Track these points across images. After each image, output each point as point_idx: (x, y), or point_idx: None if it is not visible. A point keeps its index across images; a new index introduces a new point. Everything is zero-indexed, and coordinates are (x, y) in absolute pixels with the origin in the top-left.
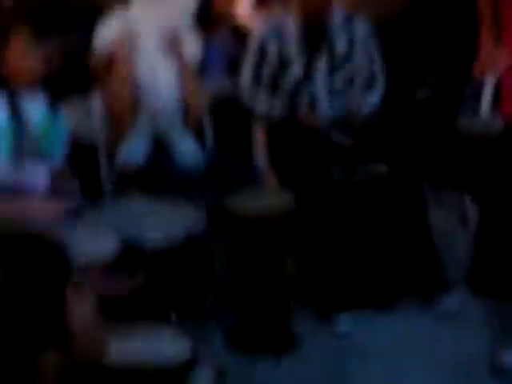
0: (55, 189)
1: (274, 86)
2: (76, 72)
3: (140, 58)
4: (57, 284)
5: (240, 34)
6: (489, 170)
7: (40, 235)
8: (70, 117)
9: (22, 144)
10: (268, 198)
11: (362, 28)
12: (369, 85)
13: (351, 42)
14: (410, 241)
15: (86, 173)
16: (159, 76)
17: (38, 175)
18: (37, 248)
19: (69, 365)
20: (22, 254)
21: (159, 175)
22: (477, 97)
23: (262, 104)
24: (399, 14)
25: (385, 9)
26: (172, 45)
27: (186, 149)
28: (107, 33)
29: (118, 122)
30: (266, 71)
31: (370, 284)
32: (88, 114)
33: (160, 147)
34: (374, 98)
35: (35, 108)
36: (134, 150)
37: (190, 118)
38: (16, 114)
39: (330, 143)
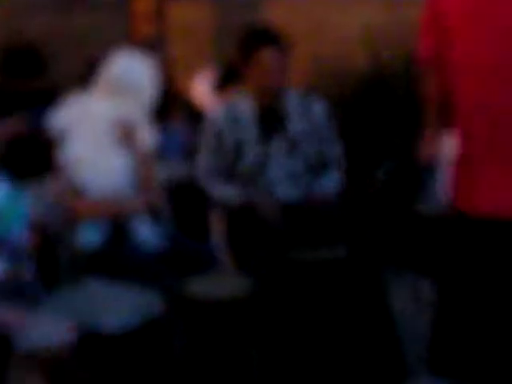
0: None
1: (231, 172)
2: (33, 154)
3: (92, 143)
4: None
5: (197, 119)
6: (445, 252)
7: None
8: (31, 199)
9: None
10: (227, 282)
11: (318, 110)
12: (328, 167)
13: (308, 125)
14: (370, 325)
15: (43, 256)
16: (113, 162)
17: None
18: None
19: None
20: None
21: (117, 259)
22: (435, 179)
23: (220, 191)
24: (356, 95)
25: (341, 89)
26: (126, 136)
27: (144, 233)
28: (61, 116)
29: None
30: (223, 156)
31: (329, 369)
32: (45, 197)
33: (118, 231)
34: (333, 181)
35: None
36: (92, 233)
37: (147, 204)
38: None
39: (286, 226)
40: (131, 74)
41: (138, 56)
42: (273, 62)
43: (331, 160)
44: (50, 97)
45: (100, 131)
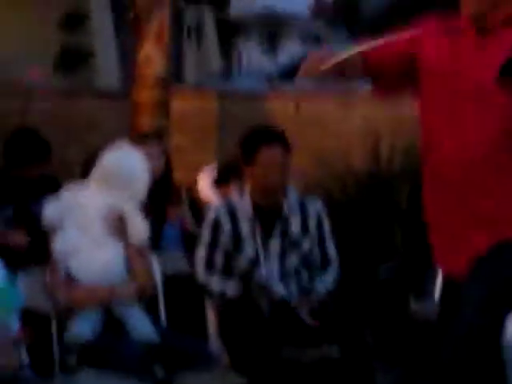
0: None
1: (228, 266)
2: (33, 241)
3: (85, 233)
4: None
5: (197, 211)
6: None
7: None
8: (26, 287)
9: None
10: (218, 377)
11: (315, 209)
12: (323, 266)
13: (305, 224)
14: None
15: (37, 346)
16: (106, 252)
17: None
18: None
19: None
20: None
21: (109, 351)
22: (433, 280)
23: (216, 284)
24: (356, 193)
25: (342, 185)
26: (117, 226)
27: (138, 325)
28: (56, 205)
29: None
30: (220, 250)
31: None
32: (39, 287)
33: (111, 322)
34: (328, 280)
35: None
36: (85, 324)
37: (139, 296)
38: None
39: (281, 324)
40: (123, 166)
41: (131, 148)
42: (274, 163)
43: (327, 259)
44: (52, 184)
45: (93, 221)
